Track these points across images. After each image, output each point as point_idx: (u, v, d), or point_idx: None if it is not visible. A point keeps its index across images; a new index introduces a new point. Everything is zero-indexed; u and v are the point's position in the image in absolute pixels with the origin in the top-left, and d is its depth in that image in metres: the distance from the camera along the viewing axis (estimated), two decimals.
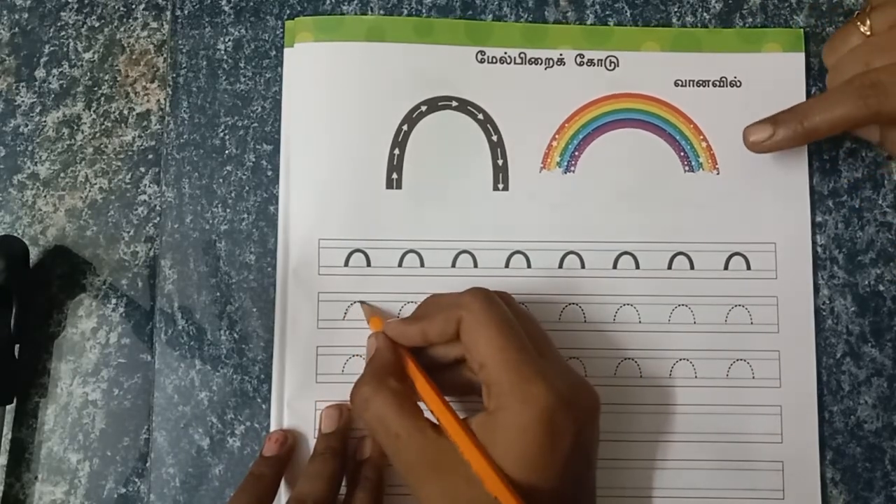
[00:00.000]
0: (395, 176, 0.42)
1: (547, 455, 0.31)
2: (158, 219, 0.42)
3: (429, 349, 0.36)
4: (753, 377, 0.41)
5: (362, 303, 0.41)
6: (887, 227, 0.42)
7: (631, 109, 0.42)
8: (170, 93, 0.43)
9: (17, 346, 0.41)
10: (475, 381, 0.36)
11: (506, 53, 0.42)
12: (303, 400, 0.40)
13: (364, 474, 0.38)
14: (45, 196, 0.43)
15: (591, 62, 0.43)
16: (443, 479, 0.32)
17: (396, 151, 0.42)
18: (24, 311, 0.40)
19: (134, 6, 0.44)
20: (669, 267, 0.41)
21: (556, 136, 0.42)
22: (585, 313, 0.41)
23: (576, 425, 0.32)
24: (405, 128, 0.42)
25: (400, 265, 0.41)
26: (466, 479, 0.32)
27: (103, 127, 0.43)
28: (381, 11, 0.43)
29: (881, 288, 0.42)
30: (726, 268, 0.41)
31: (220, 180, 0.42)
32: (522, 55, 0.43)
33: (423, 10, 0.43)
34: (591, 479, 0.34)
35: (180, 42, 0.43)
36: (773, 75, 0.42)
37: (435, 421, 0.34)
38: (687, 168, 0.42)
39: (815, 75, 0.43)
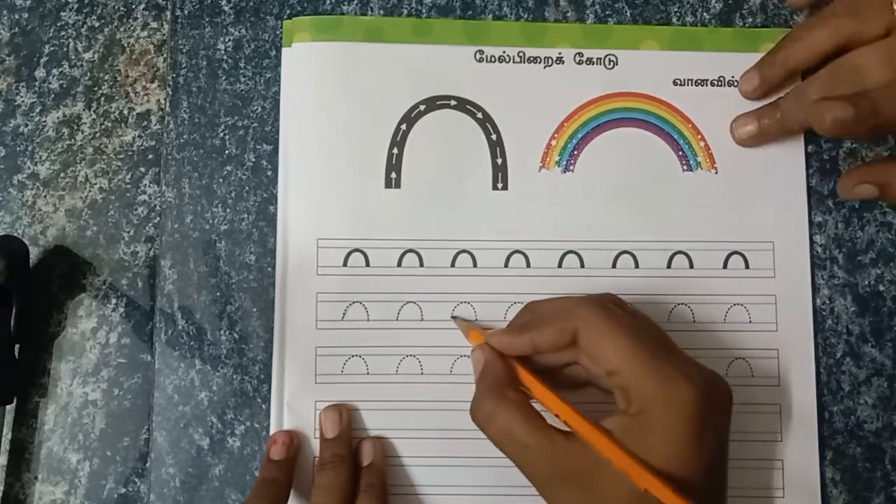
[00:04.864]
0: (393, 175, 0.42)
1: (693, 451, 0.31)
2: (158, 219, 0.42)
3: (536, 357, 0.36)
4: (752, 375, 0.40)
5: (455, 318, 0.40)
6: (887, 227, 0.42)
7: (630, 109, 0.42)
8: (170, 93, 0.43)
9: (17, 346, 0.41)
10: (582, 383, 0.36)
11: (504, 52, 0.42)
12: (302, 400, 0.40)
13: (369, 481, 0.38)
14: (45, 196, 0.43)
15: (590, 61, 0.43)
16: (580, 484, 0.32)
17: (395, 151, 0.42)
18: (24, 311, 0.40)
19: (134, 6, 0.44)
20: (668, 266, 0.41)
21: (556, 135, 0.42)
22: None
23: (717, 419, 0.33)
24: (404, 127, 0.42)
25: (399, 265, 0.41)
26: (604, 479, 0.31)
27: (103, 127, 0.43)
28: (381, 11, 0.43)
29: (881, 288, 0.42)
30: (725, 266, 0.41)
31: (220, 180, 0.42)
32: (521, 54, 0.42)
33: (423, 11, 0.43)
34: (726, 470, 0.34)
35: (180, 42, 0.43)
36: None
37: (559, 427, 0.33)
38: (685, 167, 0.42)
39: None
